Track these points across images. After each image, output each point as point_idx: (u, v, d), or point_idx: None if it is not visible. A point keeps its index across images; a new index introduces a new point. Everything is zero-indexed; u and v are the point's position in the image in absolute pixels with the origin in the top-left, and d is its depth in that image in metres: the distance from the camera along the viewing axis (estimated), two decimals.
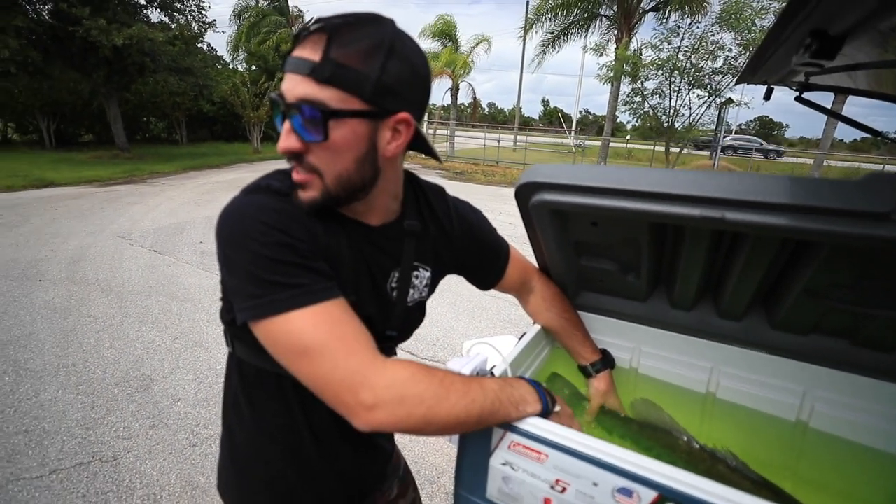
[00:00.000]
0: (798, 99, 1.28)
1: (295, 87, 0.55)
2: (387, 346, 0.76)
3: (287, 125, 0.57)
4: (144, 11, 12.19)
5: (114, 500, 1.80)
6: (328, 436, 0.73)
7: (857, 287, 0.73)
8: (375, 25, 0.56)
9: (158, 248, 4.98)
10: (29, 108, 13.52)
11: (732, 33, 10.31)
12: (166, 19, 12.78)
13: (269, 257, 0.55)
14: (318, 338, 0.55)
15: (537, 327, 1.01)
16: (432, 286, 0.81)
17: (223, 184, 9.37)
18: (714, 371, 0.97)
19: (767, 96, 1.29)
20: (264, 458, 0.73)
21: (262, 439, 0.73)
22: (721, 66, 10.84)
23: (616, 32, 13.43)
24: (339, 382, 0.54)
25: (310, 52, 0.54)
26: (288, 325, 0.55)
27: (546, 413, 0.66)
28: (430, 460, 2.09)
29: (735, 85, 10.54)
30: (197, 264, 4.55)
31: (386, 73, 0.55)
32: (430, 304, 0.82)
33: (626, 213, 0.71)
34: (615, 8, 13.05)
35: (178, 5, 12.63)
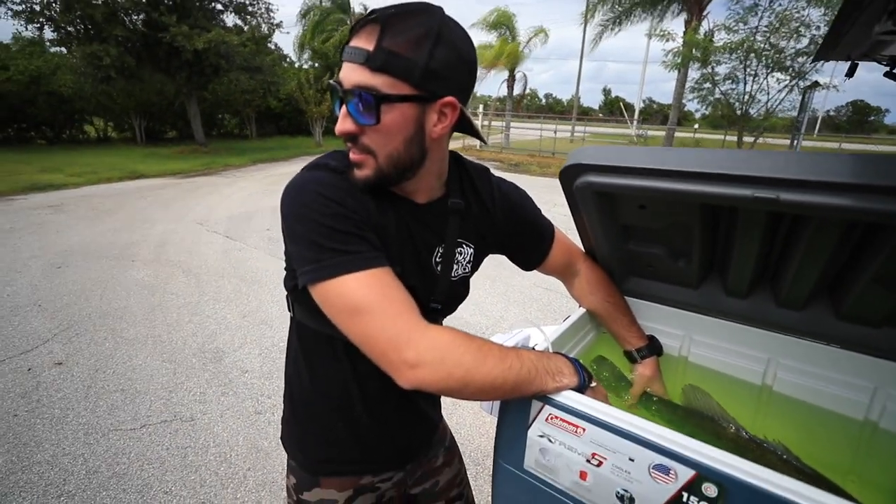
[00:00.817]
0: (888, 75, 1.15)
1: (350, 74, 0.60)
2: (431, 319, 0.80)
3: (344, 110, 0.63)
4: (220, 16, 13.14)
5: (192, 454, 2.02)
6: (376, 397, 0.78)
7: None
8: (425, 14, 0.60)
9: (231, 235, 5.41)
10: (125, 109, 15.11)
11: (822, 9, 9.20)
12: (240, 22, 13.69)
13: (327, 226, 0.61)
14: (369, 299, 0.60)
15: (582, 310, 1.01)
16: (476, 263, 0.84)
17: (287, 175, 9.85)
18: (771, 363, 0.92)
19: (850, 73, 1.18)
20: (318, 413, 0.81)
21: (316, 395, 0.80)
22: (806, 47, 9.72)
23: (685, 14, 12.52)
24: (387, 341, 0.59)
25: (364, 42, 0.59)
26: (342, 287, 0.60)
27: (582, 387, 0.67)
28: (476, 443, 2.14)
29: (812, 62, 9.38)
30: (264, 249, 4.90)
31: (433, 59, 0.59)
32: (480, 293, 0.86)
33: (675, 194, 0.70)
34: None
35: (250, 8, 13.48)
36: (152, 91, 14.57)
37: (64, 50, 12.42)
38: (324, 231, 0.61)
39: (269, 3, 13.72)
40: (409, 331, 0.59)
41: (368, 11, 0.61)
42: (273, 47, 17.04)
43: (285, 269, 0.75)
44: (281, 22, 14.29)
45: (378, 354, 0.60)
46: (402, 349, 0.58)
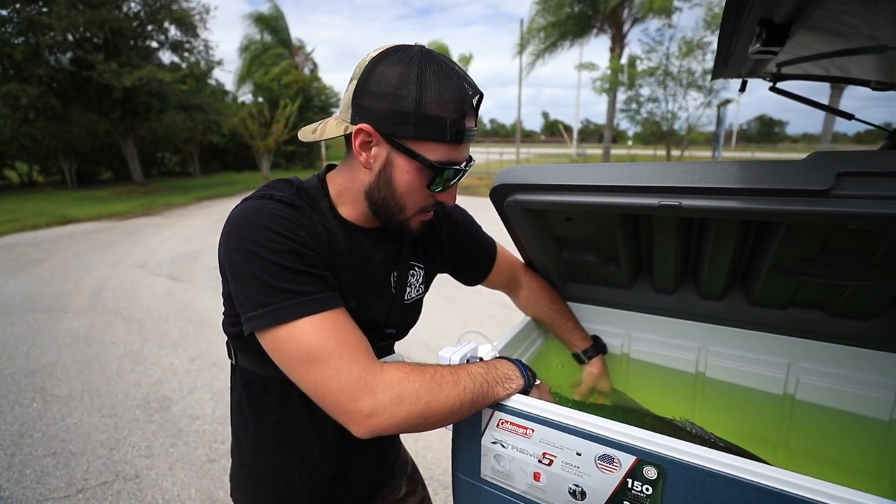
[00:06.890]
0: (772, 89, 1.32)
1: (467, 152, 0.66)
2: (386, 344, 0.80)
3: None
4: (156, 54, 12.78)
5: None
6: (334, 439, 0.74)
7: (819, 260, 0.76)
8: None
9: (175, 276, 5.13)
10: (52, 151, 14.13)
11: None
12: (177, 59, 13.36)
13: (278, 264, 0.57)
14: (323, 345, 0.56)
15: (527, 319, 1.06)
16: (426, 283, 0.85)
17: None
18: (701, 351, 1.00)
19: (742, 88, 1.34)
20: (271, 463, 0.75)
21: (268, 445, 0.74)
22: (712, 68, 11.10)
23: (609, 44, 13.72)
24: (341, 390, 0.56)
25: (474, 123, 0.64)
26: (295, 332, 0.56)
27: (528, 387, 0.70)
28: (444, 465, 2.11)
29: (711, 80, 10.71)
30: (212, 289, 4.68)
31: None
32: (438, 315, 0.87)
33: (594, 206, 0.76)
34: (606, 24, 13.50)
35: (187, 46, 13.21)
36: (83, 131, 13.77)
37: None
38: (274, 270, 0.56)
39: (207, 41, 13.53)
40: (365, 375, 0.57)
41: (479, 92, 0.63)
42: (214, 83, 16.70)
43: (224, 313, 0.70)
44: (221, 59, 14.13)
45: (331, 404, 0.57)
46: (357, 398, 0.55)
